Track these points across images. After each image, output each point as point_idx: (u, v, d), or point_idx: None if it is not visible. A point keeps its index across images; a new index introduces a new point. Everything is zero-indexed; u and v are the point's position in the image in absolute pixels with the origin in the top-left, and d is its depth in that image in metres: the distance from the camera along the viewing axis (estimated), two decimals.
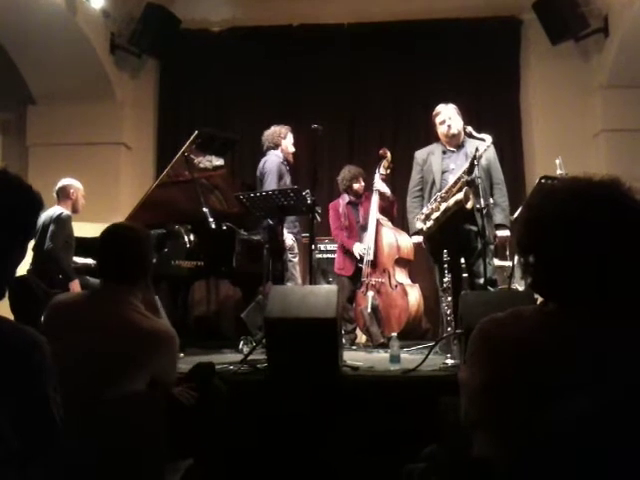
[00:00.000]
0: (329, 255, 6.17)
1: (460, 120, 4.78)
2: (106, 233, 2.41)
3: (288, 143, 5.55)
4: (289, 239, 5.20)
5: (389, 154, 5.77)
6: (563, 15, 6.58)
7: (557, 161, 4.94)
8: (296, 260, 5.45)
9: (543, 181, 4.45)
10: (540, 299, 1.44)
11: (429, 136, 5.54)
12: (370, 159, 6.32)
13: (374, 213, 5.67)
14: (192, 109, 7.46)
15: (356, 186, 5.84)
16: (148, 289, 2.45)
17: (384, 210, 5.79)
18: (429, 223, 4.67)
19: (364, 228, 5.74)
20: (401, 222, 6.02)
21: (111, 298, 2.29)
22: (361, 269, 5.69)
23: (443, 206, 4.59)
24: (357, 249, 5.68)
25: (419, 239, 4.88)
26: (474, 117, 5.27)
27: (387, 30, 7.26)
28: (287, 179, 5.43)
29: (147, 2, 6.90)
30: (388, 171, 5.80)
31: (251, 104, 7.34)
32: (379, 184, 5.70)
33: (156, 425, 2.11)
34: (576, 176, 1.39)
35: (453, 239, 4.58)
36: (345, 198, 5.92)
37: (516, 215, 4.78)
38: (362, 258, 5.64)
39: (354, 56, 7.34)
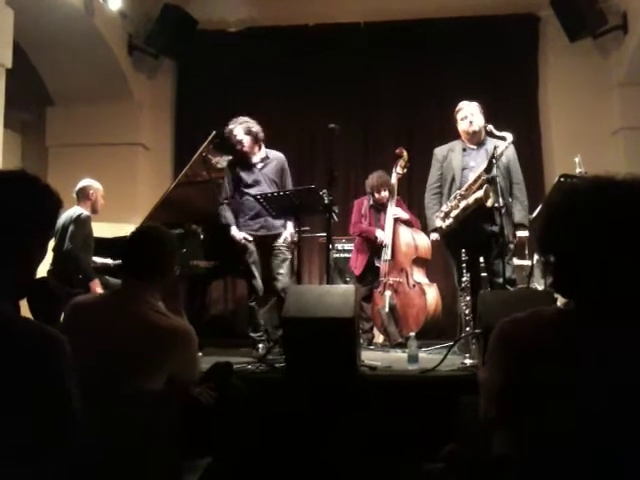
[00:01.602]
0: (346, 255, 6.16)
1: (482, 118, 4.73)
2: (136, 232, 2.51)
3: (235, 141, 5.00)
4: (239, 236, 4.90)
5: (405, 153, 5.75)
6: (581, 12, 6.53)
7: (576, 159, 4.90)
8: (250, 260, 4.95)
9: (562, 179, 4.42)
10: (560, 298, 1.43)
11: (445, 135, 5.51)
12: (386, 158, 6.30)
13: (391, 213, 5.66)
14: (209, 109, 7.48)
15: (377, 196, 5.78)
16: (175, 296, 2.51)
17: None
18: (448, 221, 4.64)
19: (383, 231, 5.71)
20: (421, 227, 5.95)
21: (129, 298, 2.31)
22: (372, 268, 5.70)
23: (463, 204, 4.57)
24: (380, 234, 5.65)
25: (437, 236, 4.85)
26: (492, 115, 5.23)
27: (403, 29, 7.24)
28: (249, 177, 5.00)
29: (164, 3, 6.94)
30: (405, 170, 5.79)
31: (267, 104, 7.33)
32: (395, 210, 5.68)
33: (171, 423, 2.13)
34: (597, 175, 1.38)
35: (472, 238, 4.55)
36: (370, 200, 5.90)
37: (535, 214, 4.74)
38: (378, 254, 5.64)
39: (370, 55, 7.33)
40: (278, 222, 4.94)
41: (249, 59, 7.30)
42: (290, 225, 4.97)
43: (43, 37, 6.33)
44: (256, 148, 5.02)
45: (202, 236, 5.10)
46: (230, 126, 4.99)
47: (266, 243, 4.93)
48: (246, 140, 4.94)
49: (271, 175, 5.01)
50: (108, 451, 1.85)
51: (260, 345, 4.84)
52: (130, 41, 7.11)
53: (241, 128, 4.94)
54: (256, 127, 4.99)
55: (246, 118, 5.00)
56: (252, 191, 4.90)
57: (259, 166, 5.02)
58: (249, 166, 5.03)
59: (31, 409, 1.27)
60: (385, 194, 5.76)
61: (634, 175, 1.34)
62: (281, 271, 4.89)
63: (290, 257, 5.03)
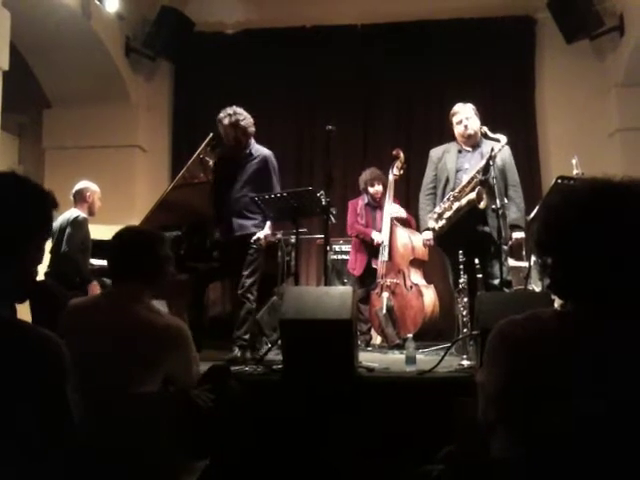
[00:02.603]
0: (344, 256, 6.15)
1: (477, 120, 4.72)
2: (119, 235, 2.48)
3: (222, 133, 4.75)
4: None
5: (402, 155, 5.75)
6: (578, 14, 6.55)
7: (573, 161, 4.90)
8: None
9: (560, 181, 4.42)
10: (558, 300, 1.44)
11: (443, 137, 5.51)
12: (384, 159, 6.30)
13: (388, 212, 5.66)
14: (206, 111, 7.46)
15: (371, 190, 5.79)
16: (180, 297, 2.52)
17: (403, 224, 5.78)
18: (441, 222, 4.63)
19: (380, 231, 5.71)
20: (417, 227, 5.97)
21: (124, 298, 2.31)
22: (371, 270, 5.70)
23: (455, 205, 4.56)
24: (376, 236, 5.65)
25: (429, 235, 4.78)
26: (489, 117, 5.25)
27: (401, 30, 7.27)
28: (229, 177, 4.76)
29: (161, 5, 6.96)
30: (401, 172, 5.79)
31: (265, 105, 7.32)
32: (393, 209, 5.69)
33: (169, 425, 2.13)
34: (595, 177, 1.38)
35: (465, 239, 4.54)
36: (364, 199, 5.90)
37: (532, 215, 4.74)
38: (376, 254, 5.63)
39: (368, 57, 7.35)
40: (248, 222, 4.65)
41: (246, 61, 7.31)
42: (267, 225, 4.66)
43: (40, 39, 6.33)
44: (243, 143, 4.72)
45: (200, 237, 5.10)
46: (220, 114, 4.68)
47: (239, 244, 4.66)
48: (231, 134, 4.66)
49: (250, 175, 4.71)
50: (106, 452, 1.85)
51: (236, 348, 4.60)
52: (127, 43, 7.12)
53: (228, 120, 4.62)
54: (245, 121, 4.66)
55: (238, 109, 4.67)
56: (229, 192, 4.75)
57: (240, 165, 4.75)
58: (231, 164, 4.78)
59: (30, 412, 1.27)
60: (379, 188, 5.76)
61: (631, 177, 1.34)
62: (245, 272, 4.59)
63: (258, 259, 4.63)
